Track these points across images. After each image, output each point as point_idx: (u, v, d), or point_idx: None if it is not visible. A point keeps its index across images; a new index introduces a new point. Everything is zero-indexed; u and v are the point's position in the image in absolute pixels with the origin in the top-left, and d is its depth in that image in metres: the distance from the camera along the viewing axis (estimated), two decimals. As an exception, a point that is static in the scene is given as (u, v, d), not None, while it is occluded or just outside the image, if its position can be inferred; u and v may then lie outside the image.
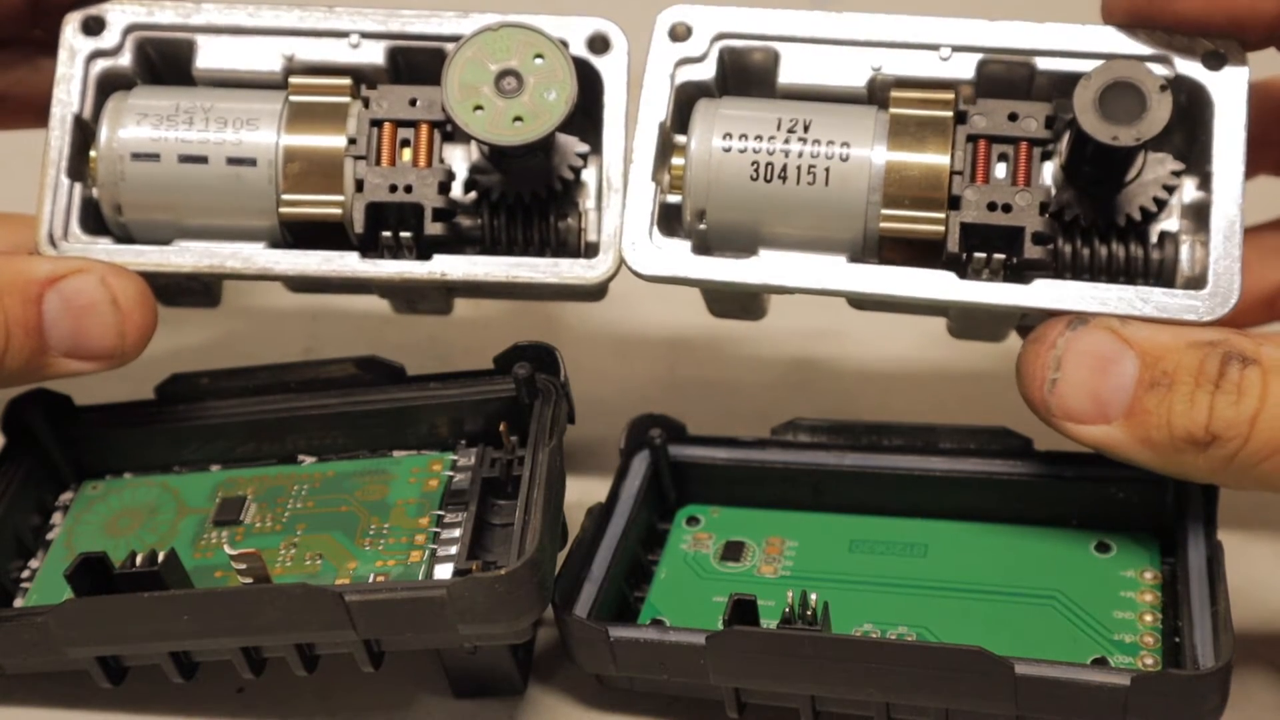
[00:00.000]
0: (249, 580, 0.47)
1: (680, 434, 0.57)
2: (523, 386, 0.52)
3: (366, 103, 0.53)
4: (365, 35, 0.54)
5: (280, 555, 0.51)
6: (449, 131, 0.53)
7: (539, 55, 0.52)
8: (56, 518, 0.55)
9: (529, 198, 0.54)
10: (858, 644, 0.47)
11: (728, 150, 0.51)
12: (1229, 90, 0.50)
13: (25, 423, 0.55)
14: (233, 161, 0.53)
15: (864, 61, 0.52)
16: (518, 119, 0.51)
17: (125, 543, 0.53)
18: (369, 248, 0.53)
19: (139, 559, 0.48)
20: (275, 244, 0.54)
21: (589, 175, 0.55)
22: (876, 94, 0.52)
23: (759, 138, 0.51)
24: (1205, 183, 0.51)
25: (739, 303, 0.56)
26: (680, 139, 0.53)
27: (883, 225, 0.51)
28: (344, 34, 0.54)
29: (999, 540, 0.53)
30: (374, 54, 0.54)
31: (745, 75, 0.54)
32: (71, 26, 0.54)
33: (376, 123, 0.53)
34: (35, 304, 0.51)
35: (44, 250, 0.53)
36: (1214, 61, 0.50)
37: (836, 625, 0.49)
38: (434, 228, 0.53)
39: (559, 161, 0.54)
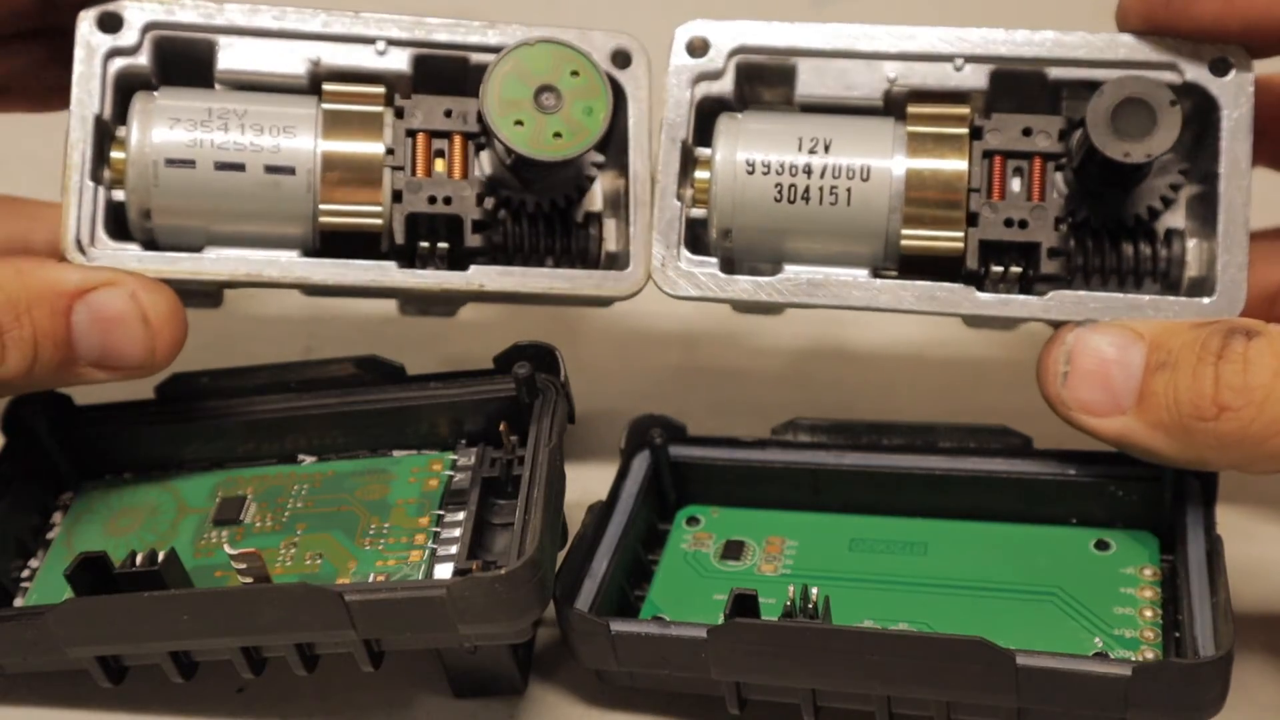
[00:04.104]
0: (249, 580, 0.47)
1: (680, 434, 0.57)
2: (523, 386, 0.52)
3: (400, 112, 0.54)
4: (392, 42, 0.54)
5: (280, 555, 0.51)
6: (481, 143, 0.54)
7: (575, 71, 0.52)
8: (56, 517, 0.55)
9: (548, 207, 0.55)
10: (859, 635, 0.47)
11: (751, 172, 0.52)
12: (1235, 95, 0.51)
13: (25, 423, 0.55)
14: (271, 169, 0.53)
15: (879, 73, 0.53)
16: (557, 134, 0.52)
17: (125, 542, 0.53)
18: (402, 257, 0.54)
19: (139, 558, 0.48)
20: (306, 251, 0.54)
21: (598, 185, 0.56)
22: (893, 105, 0.53)
23: (781, 159, 0.52)
24: (1210, 182, 0.52)
25: (760, 306, 0.57)
26: (702, 152, 0.53)
27: (904, 244, 0.52)
28: (370, 40, 0.54)
29: (999, 538, 0.53)
30: (399, 61, 0.54)
31: (763, 88, 0.54)
32: (87, 23, 0.53)
33: (411, 133, 0.54)
34: (64, 316, 0.50)
35: (72, 256, 0.52)
36: (1220, 67, 0.51)
37: (837, 623, 0.49)
38: (473, 239, 0.53)
39: (576, 172, 0.55)
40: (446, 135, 0.54)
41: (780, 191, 0.52)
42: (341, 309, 0.62)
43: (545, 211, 0.55)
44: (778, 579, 0.53)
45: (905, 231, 0.52)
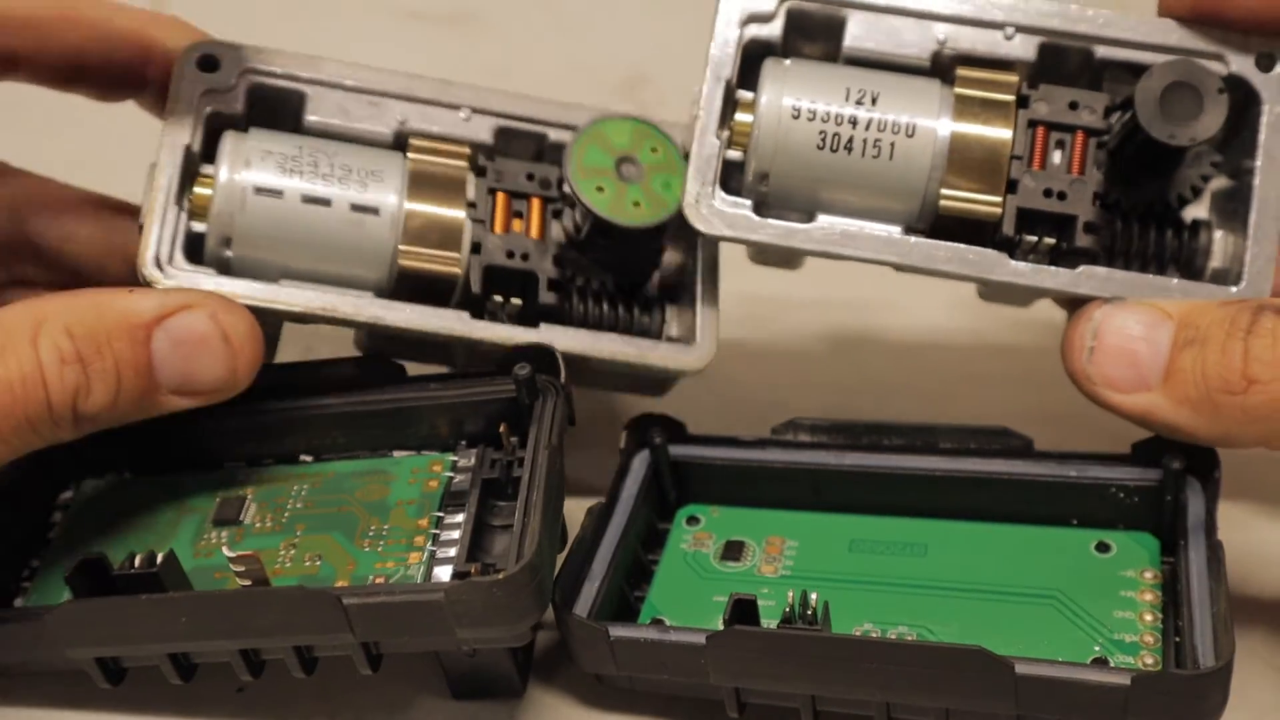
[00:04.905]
0: (247, 583, 0.48)
1: (680, 434, 0.57)
2: (523, 387, 0.52)
3: (482, 171, 0.55)
4: (476, 111, 0.56)
5: (280, 556, 0.51)
6: (558, 210, 0.55)
7: (654, 148, 0.55)
8: (56, 517, 0.55)
9: (613, 285, 0.56)
10: (858, 644, 0.47)
11: (796, 117, 0.52)
12: (1277, 91, 0.52)
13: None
14: (356, 208, 0.54)
15: (929, 34, 0.53)
16: (636, 203, 0.54)
17: (125, 542, 0.53)
18: (472, 309, 0.54)
19: (138, 560, 0.48)
20: (380, 295, 0.54)
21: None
22: (940, 67, 0.54)
23: (828, 107, 0.52)
24: (1241, 176, 0.53)
25: (783, 256, 0.57)
26: (743, 95, 0.54)
27: (942, 204, 0.52)
28: (456, 107, 0.56)
29: (999, 540, 0.53)
30: (482, 130, 0.56)
31: (810, 36, 0.54)
32: (189, 60, 0.55)
33: (492, 191, 0.55)
34: (144, 345, 0.50)
35: (150, 273, 0.53)
36: (1265, 62, 0.52)
37: (836, 625, 0.48)
38: (547, 297, 0.55)
39: (645, 252, 0.56)
40: (525, 197, 0.55)
41: (824, 139, 0.52)
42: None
43: (609, 290, 0.56)
44: (777, 580, 0.53)
45: (945, 191, 0.52)
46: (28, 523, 0.55)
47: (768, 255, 0.57)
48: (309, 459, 0.55)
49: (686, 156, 0.54)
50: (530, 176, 0.56)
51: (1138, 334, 0.50)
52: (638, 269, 0.57)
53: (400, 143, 0.56)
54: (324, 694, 0.52)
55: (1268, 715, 0.51)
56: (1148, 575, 0.51)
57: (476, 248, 0.55)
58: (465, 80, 0.57)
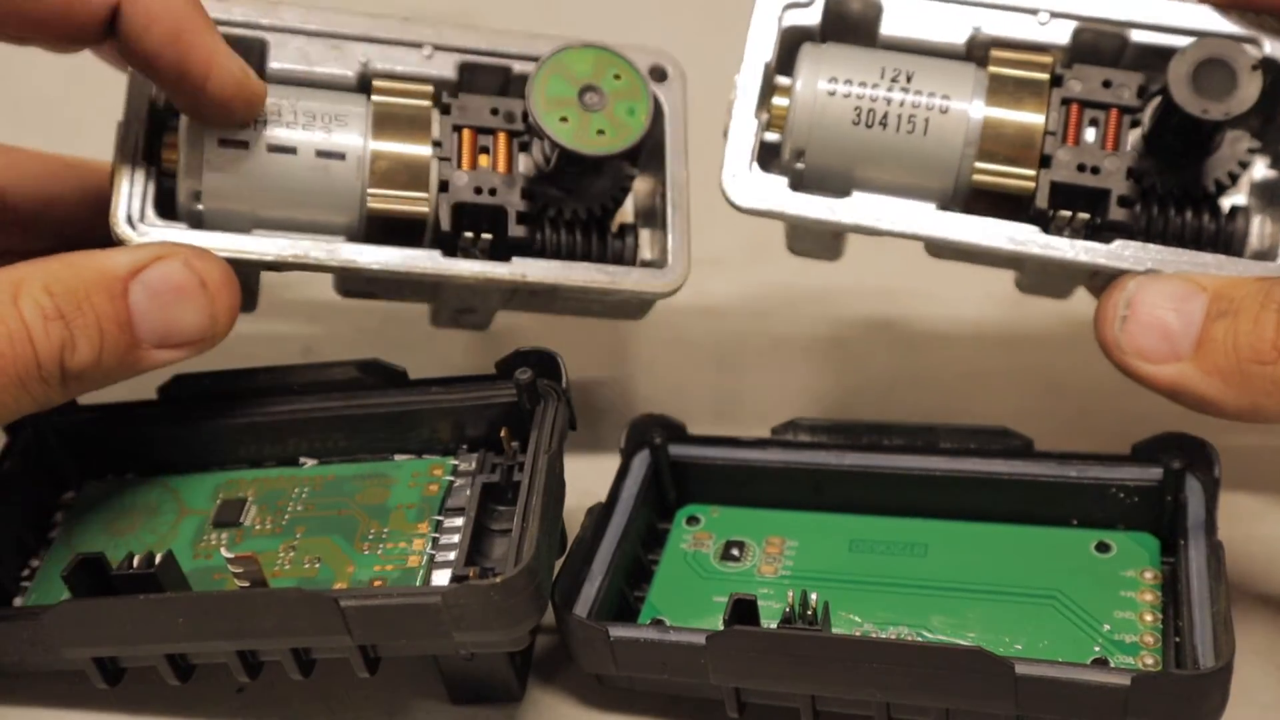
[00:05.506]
0: (245, 584, 0.47)
1: (680, 434, 0.57)
2: (524, 392, 0.52)
3: (447, 109, 0.55)
4: (438, 48, 0.56)
5: (279, 558, 0.51)
6: (525, 143, 0.55)
7: (617, 75, 0.54)
8: (58, 517, 0.55)
9: (584, 215, 0.56)
10: (858, 644, 0.47)
11: (832, 94, 0.53)
12: None
13: (28, 421, 0.55)
14: (322, 154, 0.54)
15: (965, 20, 0.54)
16: (600, 131, 0.53)
17: (125, 543, 0.53)
18: (445, 248, 0.55)
19: (135, 560, 0.48)
20: (352, 239, 0.55)
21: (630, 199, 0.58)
22: (974, 52, 0.54)
23: (863, 84, 0.53)
24: (1278, 162, 0.53)
25: (822, 242, 0.58)
26: (781, 81, 0.54)
27: (975, 178, 0.53)
28: (418, 45, 0.56)
29: (999, 540, 0.53)
30: (445, 67, 0.56)
31: (847, 24, 0.55)
32: None
33: (457, 128, 0.55)
34: (122, 299, 0.50)
35: (122, 231, 0.53)
36: None
37: (836, 625, 0.49)
38: (517, 230, 0.55)
39: (613, 180, 0.56)
40: (491, 132, 0.55)
41: (859, 115, 0.53)
42: (342, 310, 0.62)
43: (582, 219, 0.56)
44: (777, 580, 0.53)
45: (979, 165, 0.53)
46: (28, 523, 0.55)
47: (806, 243, 0.58)
48: (310, 461, 0.55)
49: (725, 134, 0.54)
50: (495, 111, 0.56)
51: (1171, 305, 0.49)
52: (608, 196, 0.57)
53: (364, 84, 0.56)
54: (322, 696, 0.52)
55: (1268, 715, 0.51)
56: (1148, 575, 0.51)
57: (444, 186, 0.55)
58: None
